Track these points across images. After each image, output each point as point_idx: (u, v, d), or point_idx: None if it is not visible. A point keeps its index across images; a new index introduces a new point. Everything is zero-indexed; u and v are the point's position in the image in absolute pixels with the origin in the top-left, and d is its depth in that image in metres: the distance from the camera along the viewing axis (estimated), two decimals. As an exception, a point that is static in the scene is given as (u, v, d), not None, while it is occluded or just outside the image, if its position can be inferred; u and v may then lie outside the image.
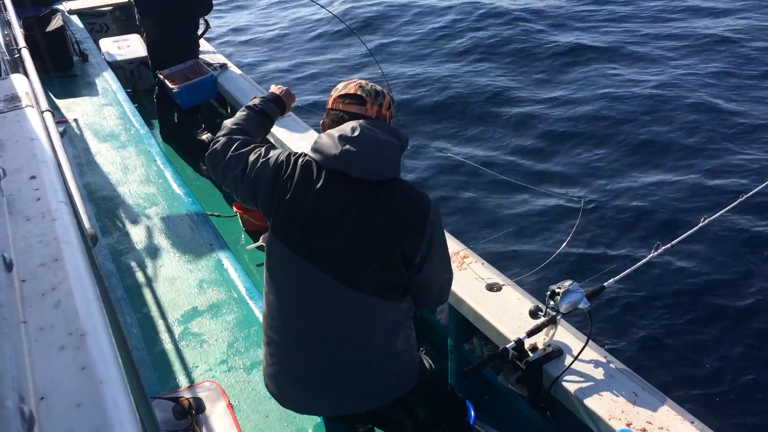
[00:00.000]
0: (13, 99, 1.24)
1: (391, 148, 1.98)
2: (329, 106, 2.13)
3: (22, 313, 0.72)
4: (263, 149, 2.11)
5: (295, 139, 4.22)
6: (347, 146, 1.95)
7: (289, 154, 2.07)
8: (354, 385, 2.07)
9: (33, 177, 0.97)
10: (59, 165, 1.68)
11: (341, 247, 1.97)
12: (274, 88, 2.50)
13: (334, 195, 1.97)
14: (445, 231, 2.26)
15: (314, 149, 2.02)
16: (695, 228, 2.62)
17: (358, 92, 2.06)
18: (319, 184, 1.98)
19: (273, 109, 2.39)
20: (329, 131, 2.01)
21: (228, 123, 2.28)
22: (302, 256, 1.99)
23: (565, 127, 6.48)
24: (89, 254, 1.49)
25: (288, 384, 2.12)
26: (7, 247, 0.81)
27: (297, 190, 1.99)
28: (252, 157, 2.09)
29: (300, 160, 2.04)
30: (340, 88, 2.11)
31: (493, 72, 7.84)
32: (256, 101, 2.37)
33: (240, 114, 2.32)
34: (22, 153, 1.04)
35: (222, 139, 2.20)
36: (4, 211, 0.89)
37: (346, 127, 1.99)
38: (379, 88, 2.10)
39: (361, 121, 2.01)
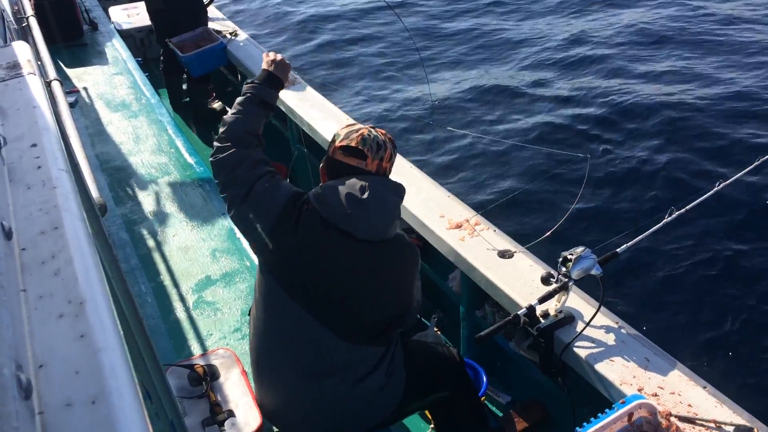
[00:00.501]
0: (15, 66, 1.22)
1: (396, 208, 2.07)
2: (329, 153, 2.13)
3: (21, 281, 0.71)
4: (272, 182, 2.11)
5: (305, 107, 4.19)
6: (358, 209, 1.98)
7: (296, 198, 2.08)
8: (340, 416, 2.17)
9: (34, 145, 0.96)
10: (64, 133, 1.67)
11: (340, 300, 2.05)
12: (265, 60, 2.41)
13: (340, 251, 2.02)
14: (457, 198, 2.31)
15: (320, 202, 2.03)
16: (710, 192, 2.58)
17: (359, 146, 2.05)
18: (325, 239, 2.01)
19: (270, 94, 2.34)
20: (335, 186, 2.02)
21: (230, 121, 2.23)
22: (296, 301, 2.04)
23: (574, 89, 6.38)
24: (96, 223, 1.50)
25: (278, 408, 2.25)
26: (7, 216, 0.81)
27: (304, 238, 2.03)
28: (258, 187, 2.09)
29: (305, 208, 2.05)
30: (342, 137, 2.09)
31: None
32: (252, 89, 2.29)
33: (240, 108, 2.26)
34: (24, 121, 1.03)
35: (230, 149, 2.17)
36: (5, 179, 0.88)
37: (355, 186, 2.00)
38: (381, 139, 2.08)
39: (368, 179, 2.01)
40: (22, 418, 0.54)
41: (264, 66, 2.38)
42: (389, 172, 2.14)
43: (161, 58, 5.56)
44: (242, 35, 5.41)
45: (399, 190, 2.09)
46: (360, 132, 2.07)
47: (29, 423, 0.56)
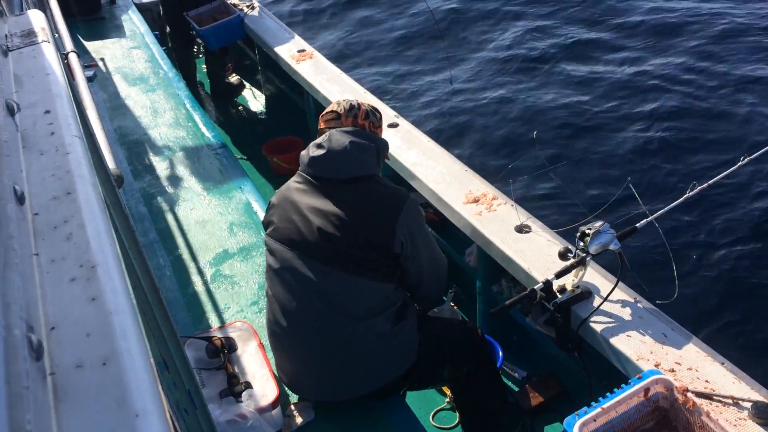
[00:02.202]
0: (30, 34, 1.22)
1: (360, 148, 2.27)
2: (319, 127, 2.44)
3: (34, 245, 0.72)
4: None
5: (322, 81, 4.17)
6: (317, 151, 2.28)
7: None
8: (349, 366, 2.23)
9: (47, 111, 0.96)
10: (80, 104, 1.67)
11: (323, 236, 2.21)
12: None
13: (314, 194, 2.27)
14: (474, 172, 2.27)
15: (300, 163, 2.36)
16: (733, 167, 2.53)
17: (334, 108, 2.40)
18: (301, 187, 2.30)
19: None
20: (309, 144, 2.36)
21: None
22: (289, 248, 2.27)
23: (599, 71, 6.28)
24: (113, 194, 1.50)
25: (295, 372, 2.33)
26: (20, 181, 0.80)
27: (288, 197, 2.33)
28: None
29: (294, 178, 2.38)
30: (325, 110, 2.44)
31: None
32: None
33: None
34: (38, 88, 1.03)
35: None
36: (18, 145, 0.88)
37: (320, 137, 2.34)
38: (354, 103, 2.40)
39: (334, 130, 2.32)
40: (33, 378, 0.55)
41: None
42: (369, 130, 2.38)
43: (167, 31, 5.54)
44: (259, 7, 5.38)
45: (370, 136, 2.33)
46: (338, 101, 2.42)
47: (40, 383, 0.56)
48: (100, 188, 0.83)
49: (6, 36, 1.25)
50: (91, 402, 0.55)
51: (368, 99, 3.86)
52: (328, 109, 2.42)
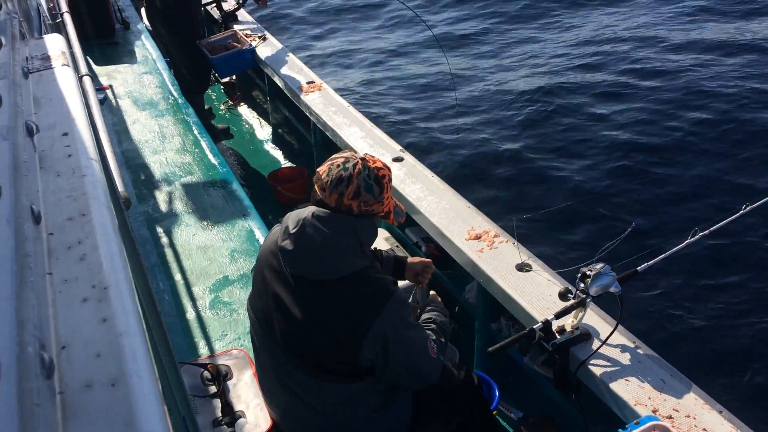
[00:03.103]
0: (50, 58, 1.25)
1: (333, 248, 1.90)
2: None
3: (48, 264, 0.73)
4: None
5: (330, 113, 4.21)
6: (285, 242, 1.95)
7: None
8: None
9: (65, 134, 0.98)
10: (94, 125, 1.70)
11: (285, 342, 2.02)
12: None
13: (284, 284, 2.00)
14: (477, 209, 2.21)
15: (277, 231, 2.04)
16: (735, 215, 2.54)
17: (322, 175, 1.95)
18: (275, 264, 2.02)
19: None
20: (290, 215, 2.01)
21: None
22: (261, 331, 2.10)
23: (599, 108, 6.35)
24: (121, 216, 1.51)
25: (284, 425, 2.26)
26: (36, 201, 0.82)
27: (262, 267, 2.07)
28: None
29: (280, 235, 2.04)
30: (323, 165, 2.01)
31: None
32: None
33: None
34: (56, 110, 1.05)
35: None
36: (36, 166, 0.90)
37: (295, 217, 1.96)
38: (347, 174, 1.91)
39: (312, 211, 1.94)
40: (44, 396, 0.55)
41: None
42: (358, 211, 1.94)
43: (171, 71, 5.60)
44: (272, 39, 5.47)
45: (345, 227, 1.91)
46: (336, 161, 1.96)
47: (50, 401, 0.57)
48: (113, 211, 0.85)
49: (27, 58, 1.28)
50: (99, 422, 0.56)
51: (375, 133, 3.90)
52: (320, 170, 1.98)
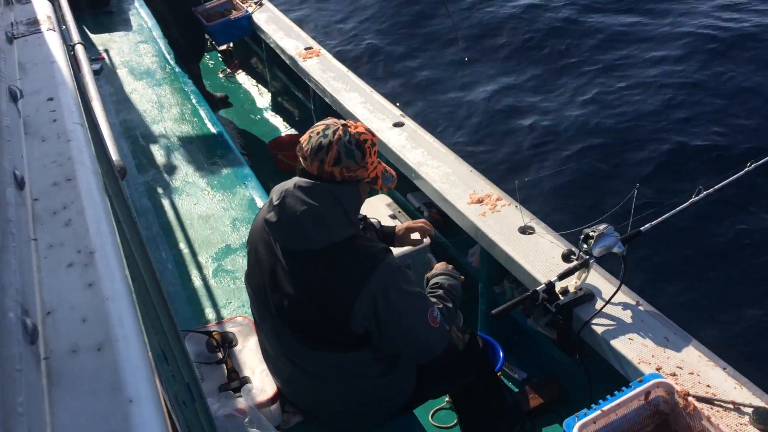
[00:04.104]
0: (35, 22, 1.22)
1: (315, 217, 1.87)
2: None
3: (33, 230, 0.71)
4: None
5: (329, 79, 4.16)
6: (270, 214, 1.93)
7: None
8: (336, 413, 2.18)
9: (50, 99, 0.96)
10: (85, 95, 1.67)
11: (280, 312, 2.02)
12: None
13: (274, 255, 1.99)
14: (479, 173, 2.18)
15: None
16: (741, 173, 2.51)
17: (303, 144, 1.93)
18: (266, 237, 2.02)
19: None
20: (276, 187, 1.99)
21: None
22: (259, 303, 2.12)
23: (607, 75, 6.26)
24: (116, 185, 1.50)
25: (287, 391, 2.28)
26: (21, 166, 0.80)
27: (255, 240, 2.09)
28: None
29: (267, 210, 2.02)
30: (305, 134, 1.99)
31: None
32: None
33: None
34: (41, 75, 1.03)
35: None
36: (20, 131, 0.88)
37: (279, 189, 1.94)
38: (326, 141, 1.89)
39: (294, 182, 1.92)
40: (27, 362, 0.54)
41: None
42: (341, 177, 1.92)
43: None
44: (267, 5, 5.38)
45: (327, 196, 1.88)
46: (316, 129, 1.95)
47: (34, 367, 0.56)
48: (102, 177, 0.83)
49: (12, 24, 1.25)
50: (85, 387, 0.55)
51: (374, 98, 3.85)
52: (302, 139, 1.96)
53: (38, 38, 1.17)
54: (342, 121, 1.97)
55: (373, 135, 2.00)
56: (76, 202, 0.75)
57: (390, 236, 2.46)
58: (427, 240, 2.54)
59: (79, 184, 0.77)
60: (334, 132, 1.91)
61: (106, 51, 5.27)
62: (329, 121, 1.98)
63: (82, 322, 0.61)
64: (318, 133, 1.93)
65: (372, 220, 2.47)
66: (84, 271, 0.66)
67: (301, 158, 1.96)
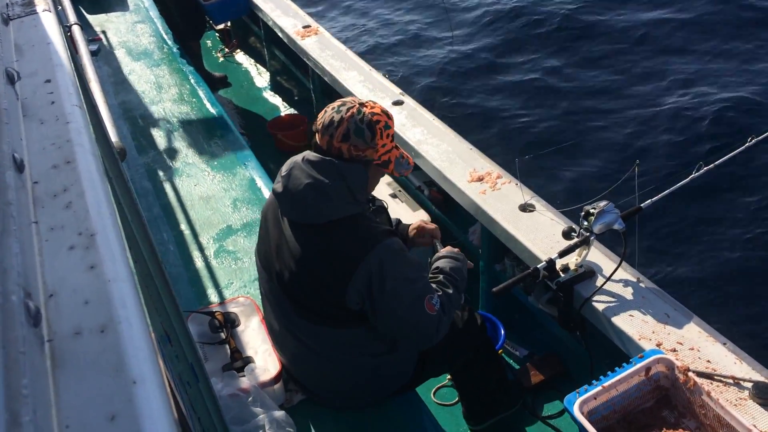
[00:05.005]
0: (30, 3, 1.21)
1: (318, 191, 1.88)
2: None
3: (33, 213, 0.71)
4: None
5: (327, 57, 4.13)
6: (277, 185, 1.97)
7: None
8: (338, 390, 2.21)
9: (48, 81, 0.95)
10: (83, 77, 1.66)
11: (281, 283, 2.04)
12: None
13: (282, 226, 2.02)
14: (479, 151, 2.16)
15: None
16: (741, 148, 2.50)
17: (320, 117, 1.96)
18: (275, 214, 2.07)
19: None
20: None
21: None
22: (267, 275, 2.14)
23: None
24: (116, 167, 1.49)
25: (293, 369, 2.30)
26: (20, 149, 0.80)
27: (266, 214, 2.13)
28: None
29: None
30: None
31: None
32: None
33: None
34: (38, 57, 1.02)
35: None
36: (18, 114, 0.88)
37: (289, 163, 1.98)
38: (338, 117, 1.90)
39: (304, 155, 1.95)
40: (30, 344, 0.55)
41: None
42: (349, 155, 1.92)
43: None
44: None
45: (333, 171, 1.89)
46: (333, 105, 1.96)
47: (38, 349, 0.56)
48: (101, 158, 0.83)
49: (7, 5, 1.24)
50: (89, 369, 0.55)
51: (373, 76, 3.83)
52: (319, 114, 1.99)
53: (34, 19, 1.17)
54: (361, 100, 1.97)
55: (390, 118, 1.99)
56: (76, 185, 0.75)
57: (402, 236, 2.38)
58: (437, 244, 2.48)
59: (78, 167, 0.77)
60: (348, 109, 1.92)
61: (104, 32, 5.23)
62: (348, 99, 2.00)
63: (85, 304, 0.61)
64: (333, 108, 1.94)
65: (392, 218, 2.43)
66: (85, 253, 0.66)
67: (315, 132, 1.98)
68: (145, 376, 0.55)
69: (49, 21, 1.17)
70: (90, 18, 5.46)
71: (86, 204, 0.72)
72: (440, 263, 2.23)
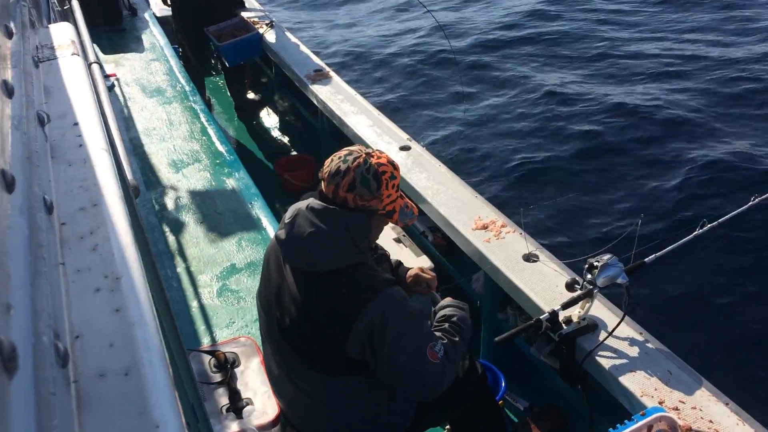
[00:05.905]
0: (60, 47, 1.25)
1: (321, 241, 1.88)
2: None
3: (60, 254, 0.73)
4: None
5: (337, 101, 4.21)
6: (281, 231, 1.97)
7: None
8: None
9: (76, 124, 0.98)
10: (103, 114, 1.70)
11: (282, 330, 2.04)
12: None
13: (283, 273, 2.02)
14: (484, 199, 2.17)
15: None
16: (744, 207, 2.53)
17: (326, 165, 1.96)
18: (277, 259, 2.06)
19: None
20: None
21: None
22: (267, 320, 2.12)
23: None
24: (130, 205, 1.52)
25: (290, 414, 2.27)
26: (48, 191, 0.83)
27: (268, 259, 2.12)
28: None
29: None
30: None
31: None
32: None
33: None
34: (66, 99, 1.06)
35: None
36: (47, 155, 0.90)
37: (293, 208, 1.99)
38: (345, 166, 1.91)
39: (308, 203, 1.95)
40: (59, 385, 0.56)
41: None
42: (354, 205, 1.93)
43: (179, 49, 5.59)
44: (278, 26, 5.45)
45: (336, 220, 1.90)
46: (340, 153, 1.97)
47: (65, 390, 0.57)
48: (127, 203, 0.85)
49: (37, 47, 1.28)
50: (113, 411, 0.57)
51: (382, 121, 3.89)
52: (326, 161, 1.99)
53: (62, 62, 1.21)
54: (368, 150, 1.98)
55: (396, 168, 2.00)
56: (102, 228, 0.77)
57: (401, 279, 2.39)
58: (435, 294, 2.49)
59: (104, 210, 0.80)
60: (355, 159, 1.92)
61: (121, 70, 5.33)
62: (355, 147, 2.00)
63: (110, 346, 0.62)
64: (340, 157, 1.94)
65: (393, 259, 2.44)
66: (111, 296, 0.68)
67: (321, 180, 1.97)
68: (167, 420, 0.56)
69: (77, 64, 1.21)
70: (105, 56, 5.58)
71: (111, 247, 0.74)
72: (446, 311, 2.22)
